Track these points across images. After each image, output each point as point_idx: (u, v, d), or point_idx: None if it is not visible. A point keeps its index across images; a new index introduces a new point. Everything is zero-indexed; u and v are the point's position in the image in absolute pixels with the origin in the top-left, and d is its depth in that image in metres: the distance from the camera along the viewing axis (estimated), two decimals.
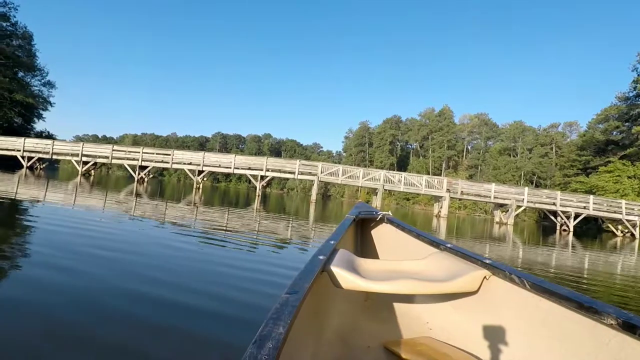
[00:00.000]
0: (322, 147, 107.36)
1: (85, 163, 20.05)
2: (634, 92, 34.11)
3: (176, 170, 19.81)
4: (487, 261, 1.33)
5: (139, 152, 20.05)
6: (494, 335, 1.24)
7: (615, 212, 18.65)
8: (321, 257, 1.24)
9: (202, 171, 19.87)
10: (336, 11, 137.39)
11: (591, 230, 22.56)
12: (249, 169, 19.87)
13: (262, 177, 19.52)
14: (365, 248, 2.19)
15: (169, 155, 20.10)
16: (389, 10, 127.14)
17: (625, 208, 18.61)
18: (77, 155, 19.84)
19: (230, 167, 19.68)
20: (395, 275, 1.36)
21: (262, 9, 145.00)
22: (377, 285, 1.23)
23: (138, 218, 5.58)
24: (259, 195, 19.08)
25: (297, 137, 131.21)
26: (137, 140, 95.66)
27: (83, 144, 20.20)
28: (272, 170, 19.66)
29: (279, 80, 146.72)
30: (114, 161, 20.21)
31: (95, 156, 20.16)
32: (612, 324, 0.89)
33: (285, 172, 19.68)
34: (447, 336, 1.35)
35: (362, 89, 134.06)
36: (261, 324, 0.69)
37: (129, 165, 20.29)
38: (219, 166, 20.20)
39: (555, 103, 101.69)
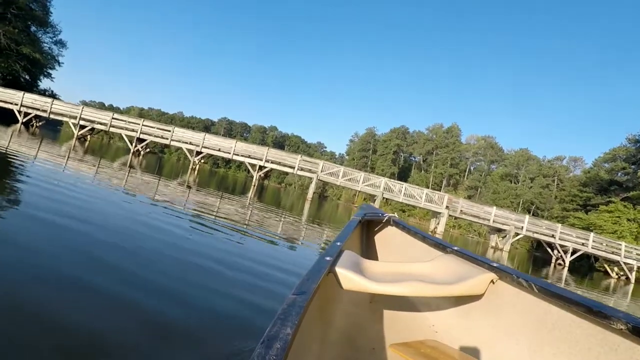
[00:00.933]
0: (325, 147, 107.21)
1: (83, 127, 19.53)
2: None
3: (177, 149, 19.28)
4: (494, 265, 1.30)
5: (139, 124, 19.53)
6: (501, 339, 1.22)
7: (613, 252, 18.23)
8: (328, 259, 1.24)
9: (201, 152, 19.39)
10: (360, 15, 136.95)
11: (583, 268, 22.15)
12: (249, 157, 19.38)
13: (261, 168, 19.03)
14: (371, 250, 2.16)
15: (169, 131, 19.59)
16: (410, 21, 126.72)
17: (625, 250, 18.19)
18: (75, 117, 19.31)
19: (230, 153, 19.19)
20: (401, 277, 1.35)
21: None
22: (382, 287, 1.22)
23: (116, 189, 5.14)
24: (254, 186, 18.61)
25: (302, 134, 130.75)
26: (143, 114, 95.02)
27: (83, 107, 19.66)
28: (272, 162, 19.18)
29: (291, 75, 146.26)
30: (112, 129, 19.68)
31: (93, 121, 19.63)
32: (621, 329, 0.85)
33: (285, 165, 19.19)
34: (453, 339, 1.32)
35: (373, 95, 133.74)
36: (269, 324, 0.69)
37: (126, 135, 19.78)
38: (219, 150, 19.71)
39: (563, 136, 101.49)
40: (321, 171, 18.46)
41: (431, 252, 1.71)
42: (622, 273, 18.99)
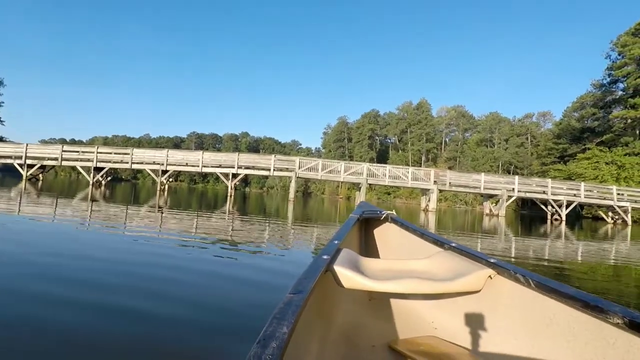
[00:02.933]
0: (301, 144, 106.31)
1: (31, 166, 17.71)
2: (608, 79, 34.31)
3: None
4: (492, 260, 1.30)
5: (94, 152, 17.86)
6: (499, 335, 1.21)
7: (605, 198, 18.03)
8: (325, 257, 1.25)
9: (167, 171, 17.94)
10: (311, 7, 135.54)
11: (570, 218, 22.01)
12: (220, 166, 18.09)
13: (235, 175, 17.78)
14: (369, 248, 2.15)
15: (128, 154, 18.01)
16: (363, 4, 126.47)
17: (617, 194, 18.01)
18: (20, 157, 17.46)
19: (198, 166, 17.83)
20: (399, 274, 1.35)
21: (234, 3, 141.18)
22: (381, 284, 1.21)
23: (78, 228, 4.33)
24: (231, 196, 17.35)
25: (275, 135, 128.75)
26: (107, 143, 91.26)
27: (27, 145, 17.79)
28: (246, 167, 17.95)
29: (255, 78, 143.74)
30: (64, 163, 17.92)
31: (42, 158, 17.84)
32: (618, 323, 0.86)
33: (259, 168, 18.00)
34: (452, 335, 1.31)
35: (339, 84, 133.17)
36: (265, 324, 0.68)
37: (82, 167, 18.09)
38: (186, 164, 18.32)
39: (529, 94, 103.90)
40: (299, 168, 17.39)
41: (429, 249, 1.71)
42: (617, 217, 18.88)
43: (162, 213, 7.14)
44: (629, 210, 17.88)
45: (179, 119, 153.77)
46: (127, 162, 17.92)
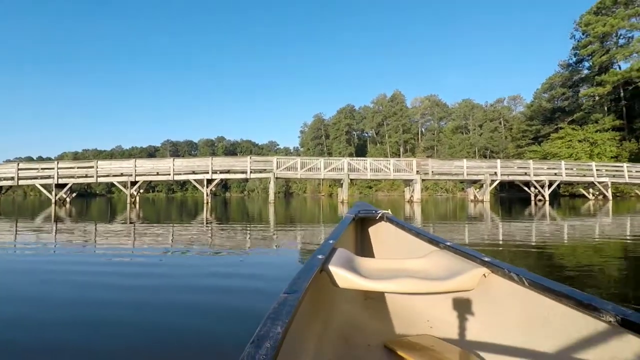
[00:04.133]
0: (279, 145, 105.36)
1: None
2: (574, 59, 35.12)
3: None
4: (486, 259, 1.29)
5: (54, 168, 16.53)
6: (494, 333, 1.21)
7: (585, 175, 18.15)
8: (320, 257, 1.25)
9: (136, 182, 16.82)
10: (281, 5, 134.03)
11: (551, 198, 22.28)
12: (193, 173, 17.13)
13: (210, 181, 16.86)
14: (364, 247, 2.16)
15: (92, 167, 16.78)
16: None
17: (595, 169, 18.15)
18: None
19: (169, 174, 16.81)
20: (394, 274, 1.34)
21: (199, 6, 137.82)
22: (376, 284, 1.22)
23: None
24: (207, 203, 16.44)
25: (252, 137, 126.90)
26: (78, 158, 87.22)
27: None
28: (221, 172, 17.07)
29: (227, 80, 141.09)
30: (22, 182, 16.53)
31: None
32: (610, 321, 0.87)
33: (235, 172, 17.15)
34: (448, 334, 1.32)
35: (312, 80, 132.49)
36: (259, 324, 0.68)
37: (42, 185, 16.73)
38: (157, 174, 17.26)
39: (500, 78, 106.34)
40: (277, 168, 16.65)
41: (424, 248, 1.67)
42: (597, 193, 19.07)
43: (128, 228, 6.30)
44: (609, 185, 18.06)
45: (152, 128, 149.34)
46: (92, 176, 16.71)
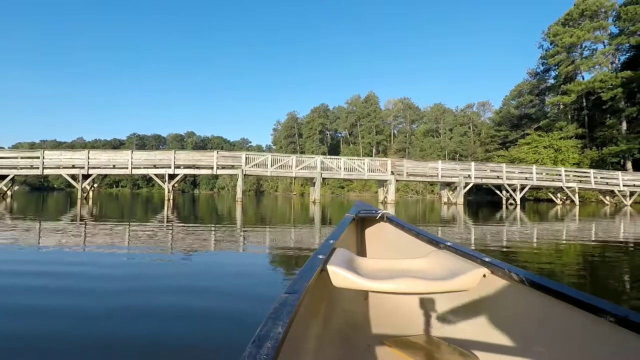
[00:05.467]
0: (251, 142, 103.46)
1: None
2: (542, 68, 36.31)
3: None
4: (487, 259, 1.28)
5: None
6: (494, 334, 1.22)
7: (553, 180, 18.42)
8: (320, 257, 1.24)
9: (88, 175, 15.32)
10: (251, 4, 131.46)
11: (521, 202, 22.76)
12: (154, 166, 15.83)
13: (172, 176, 15.64)
14: (364, 247, 2.14)
15: (38, 158, 15.10)
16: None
17: (564, 175, 18.46)
18: None
19: (127, 167, 15.44)
20: (394, 274, 1.32)
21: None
22: (376, 284, 1.19)
23: None
24: (169, 200, 15.24)
25: (223, 134, 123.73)
26: (34, 148, 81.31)
27: None
28: (185, 167, 15.89)
29: (201, 75, 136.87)
30: None
31: None
32: (611, 321, 0.87)
33: (200, 167, 16.02)
34: (447, 334, 1.32)
35: (287, 78, 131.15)
36: (260, 324, 0.68)
37: None
38: (113, 167, 15.83)
39: (471, 84, 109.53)
40: (246, 164, 15.69)
41: (424, 248, 1.66)
42: (565, 197, 19.45)
43: (65, 227, 5.26)
44: (576, 190, 18.44)
45: (118, 120, 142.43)
46: (38, 167, 15.05)
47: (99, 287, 2.30)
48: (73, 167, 15.38)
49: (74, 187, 15.57)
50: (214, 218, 8.28)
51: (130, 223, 6.42)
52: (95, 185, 16.88)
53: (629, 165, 26.64)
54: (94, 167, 15.34)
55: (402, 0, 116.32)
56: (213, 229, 5.83)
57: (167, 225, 6.14)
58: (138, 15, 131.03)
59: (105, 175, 16.73)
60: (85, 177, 15.30)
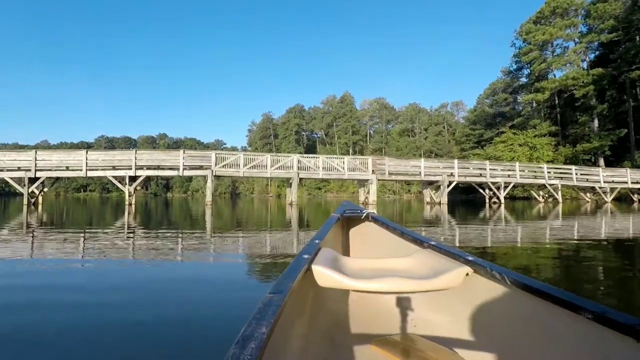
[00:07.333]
0: (225, 144, 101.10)
1: None
2: (515, 66, 36.80)
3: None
4: (470, 258, 1.28)
5: None
6: (477, 332, 1.23)
7: (536, 177, 18.14)
8: (306, 256, 1.23)
9: (37, 178, 13.62)
10: (227, 3, 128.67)
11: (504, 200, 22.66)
12: (113, 168, 14.31)
13: (133, 178, 14.17)
14: (350, 247, 2.15)
15: None
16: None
17: (546, 172, 18.21)
18: None
19: (82, 169, 13.83)
20: (379, 273, 1.32)
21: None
22: (362, 283, 1.19)
23: None
24: (130, 204, 13.76)
25: (197, 136, 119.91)
26: None
27: None
28: (148, 168, 14.44)
29: (171, 74, 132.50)
30: None
31: None
32: (589, 318, 0.88)
33: (165, 168, 14.63)
34: (432, 333, 1.32)
35: (261, 78, 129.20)
36: (243, 324, 0.67)
37: None
38: (66, 169, 14.18)
39: (444, 84, 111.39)
40: (216, 165, 14.43)
41: (409, 247, 1.67)
42: (547, 195, 19.26)
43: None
44: (559, 187, 18.25)
45: (85, 122, 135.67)
46: None
47: None
48: (18, 169, 13.65)
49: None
50: (179, 224, 7.09)
51: (67, 232, 5.16)
52: (46, 189, 15.13)
53: (602, 162, 27.15)
54: (43, 169, 13.66)
55: (376, 2, 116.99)
56: (169, 235, 4.70)
57: (118, 235, 4.95)
58: (107, 13, 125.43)
59: (57, 179, 15.03)
60: (33, 180, 13.60)
